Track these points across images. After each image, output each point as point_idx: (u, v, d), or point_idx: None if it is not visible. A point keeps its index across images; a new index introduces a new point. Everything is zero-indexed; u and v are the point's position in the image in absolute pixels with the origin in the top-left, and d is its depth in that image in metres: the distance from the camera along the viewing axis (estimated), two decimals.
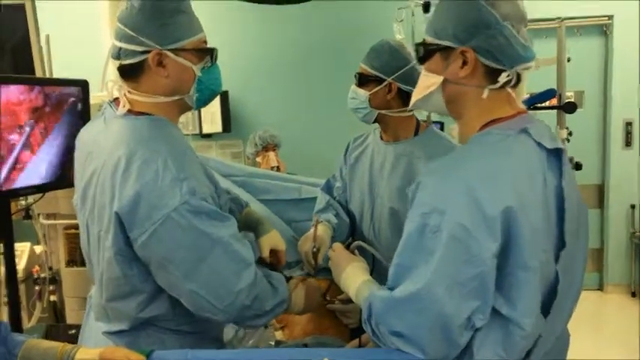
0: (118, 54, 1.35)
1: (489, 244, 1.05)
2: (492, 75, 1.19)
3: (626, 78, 4.68)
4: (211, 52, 1.41)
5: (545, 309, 1.14)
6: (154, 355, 1.14)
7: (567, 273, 1.16)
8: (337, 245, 1.53)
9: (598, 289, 4.96)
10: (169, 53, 1.33)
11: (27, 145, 1.90)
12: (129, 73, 1.37)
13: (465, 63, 1.19)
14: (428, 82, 1.26)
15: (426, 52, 1.26)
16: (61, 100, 2.05)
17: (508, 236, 1.07)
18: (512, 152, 1.13)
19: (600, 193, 4.93)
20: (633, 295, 4.77)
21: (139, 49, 1.32)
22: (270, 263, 1.69)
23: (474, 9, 1.18)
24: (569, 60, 3.29)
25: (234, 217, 1.68)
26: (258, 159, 3.79)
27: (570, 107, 3.06)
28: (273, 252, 1.71)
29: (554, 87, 3.09)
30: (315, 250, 1.77)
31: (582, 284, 1.27)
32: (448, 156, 1.24)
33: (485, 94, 1.20)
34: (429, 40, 1.25)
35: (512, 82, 1.20)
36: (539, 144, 1.15)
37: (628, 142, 4.78)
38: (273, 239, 1.71)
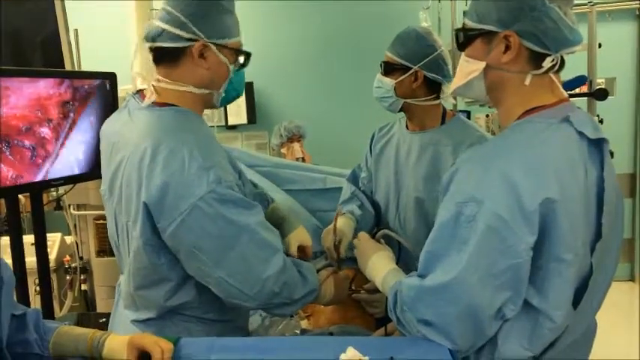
0: (156, 35, 1.35)
1: (526, 236, 1.03)
2: (536, 60, 1.15)
3: None
4: (247, 55, 1.44)
5: (576, 300, 1.12)
6: (182, 342, 1.16)
7: (601, 265, 1.14)
8: (363, 234, 1.52)
9: (629, 280, 4.86)
10: (213, 47, 1.35)
11: (57, 138, 1.94)
12: (166, 57, 1.37)
13: (507, 48, 1.15)
14: (469, 68, 1.22)
15: (466, 38, 1.23)
16: (90, 92, 2.08)
17: (545, 228, 1.05)
18: (554, 142, 1.10)
19: (632, 181, 4.82)
20: None
21: (186, 35, 1.33)
22: (298, 258, 1.68)
23: None
24: (600, 46, 3.21)
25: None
26: (283, 150, 3.79)
27: (601, 94, 2.99)
28: (301, 247, 1.71)
29: (585, 73, 3.02)
30: (336, 243, 1.76)
31: (613, 275, 1.24)
32: (487, 143, 1.21)
33: (528, 80, 1.16)
34: (470, 24, 1.21)
35: (556, 67, 1.17)
36: (580, 133, 1.11)
37: None
38: (300, 236, 1.71)
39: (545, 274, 1.07)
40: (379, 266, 1.38)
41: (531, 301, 1.09)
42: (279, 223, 1.73)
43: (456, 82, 1.28)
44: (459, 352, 1.11)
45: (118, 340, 1.09)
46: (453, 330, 1.09)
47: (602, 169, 1.13)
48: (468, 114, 3.68)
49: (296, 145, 3.74)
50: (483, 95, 1.24)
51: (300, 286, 1.40)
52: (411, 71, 1.77)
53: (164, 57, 1.37)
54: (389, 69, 1.81)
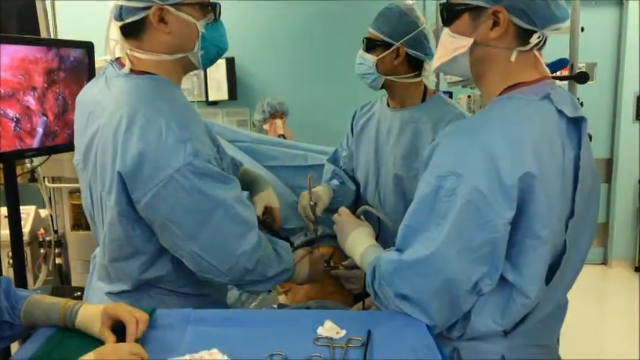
0: (119, 13, 1.32)
1: (505, 210, 1.03)
2: (523, 36, 1.14)
3: (638, 50, 4.59)
4: (214, 7, 1.38)
5: (548, 277, 1.13)
6: (157, 313, 1.15)
7: (574, 243, 1.14)
8: (343, 209, 1.52)
9: (602, 264, 4.96)
10: (170, 8, 1.30)
11: (37, 108, 1.89)
12: (131, 32, 1.34)
13: (495, 24, 1.13)
14: (455, 44, 1.19)
15: (452, 13, 1.19)
16: (75, 64, 2.04)
17: (523, 203, 1.05)
18: (534, 118, 1.10)
19: (609, 166, 4.89)
20: (637, 269, 4.77)
21: (140, 5, 1.29)
22: (265, 221, 1.68)
23: None
24: (582, 30, 3.22)
25: None
26: (265, 126, 3.77)
27: (582, 77, 2.98)
28: (268, 210, 1.69)
29: (566, 57, 3.03)
30: (312, 203, 1.76)
31: (586, 256, 1.25)
32: (468, 118, 1.21)
33: (514, 56, 1.15)
34: (457, 0, 1.18)
35: (541, 44, 1.16)
36: (560, 112, 1.11)
37: (638, 116, 4.72)
38: (268, 197, 1.69)
39: (520, 250, 1.08)
40: (358, 242, 1.38)
41: (506, 275, 1.09)
42: (248, 184, 1.71)
43: (440, 58, 1.25)
44: (434, 328, 1.12)
45: (91, 309, 1.07)
46: (430, 304, 1.10)
47: (579, 148, 1.13)
48: (450, 94, 3.68)
49: (278, 122, 3.72)
50: (467, 71, 1.22)
51: (274, 264, 1.39)
52: (392, 48, 1.77)
53: (129, 32, 1.34)
54: (371, 45, 1.80)
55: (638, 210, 4.77)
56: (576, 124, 1.13)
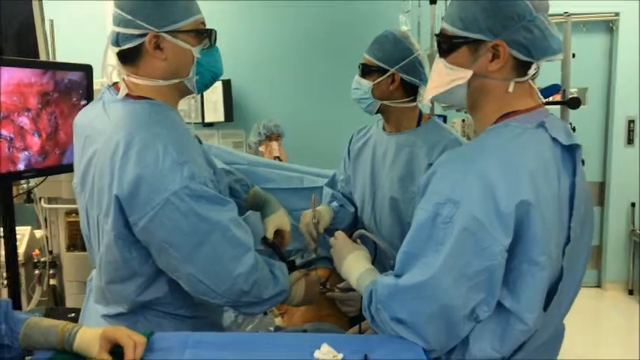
0: (116, 39, 1.35)
1: (501, 238, 1.04)
2: (520, 68, 1.16)
3: (629, 75, 4.66)
4: (210, 34, 1.40)
5: (545, 303, 1.13)
6: (155, 336, 1.15)
7: (570, 269, 1.16)
8: (340, 233, 1.53)
9: (596, 287, 4.96)
10: (166, 36, 1.32)
11: (31, 128, 1.91)
12: (127, 58, 1.36)
13: (495, 56, 1.15)
14: (452, 75, 1.20)
15: (450, 45, 1.20)
16: (69, 85, 2.06)
17: (520, 230, 1.06)
18: (529, 146, 1.11)
19: (601, 190, 4.93)
20: (630, 292, 4.77)
21: (136, 32, 1.31)
22: (274, 243, 1.70)
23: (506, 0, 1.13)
24: (573, 56, 3.27)
25: (240, 197, 1.69)
26: (261, 148, 3.79)
27: (574, 103, 3.04)
28: (278, 232, 1.71)
29: (558, 82, 3.08)
30: (315, 221, 1.78)
31: (582, 281, 1.26)
32: (465, 146, 1.22)
33: (512, 87, 1.16)
34: (454, 32, 1.19)
35: (536, 74, 1.18)
36: (554, 139, 1.13)
37: (630, 140, 4.77)
38: (279, 219, 1.72)
39: (518, 276, 1.09)
40: (355, 266, 1.39)
41: (504, 302, 1.10)
42: (260, 205, 1.74)
43: (436, 88, 1.26)
44: (431, 352, 1.12)
45: (90, 332, 1.07)
46: (426, 329, 1.10)
47: (574, 175, 1.14)
48: (445, 118, 3.72)
49: (274, 144, 3.74)
50: (463, 101, 1.24)
51: (270, 286, 1.40)
52: (388, 73, 1.80)
53: (126, 58, 1.36)
54: (367, 71, 1.83)
55: (630, 233, 4.80)
56: (570, 151, 1.15)
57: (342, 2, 4.62)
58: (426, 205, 1.11)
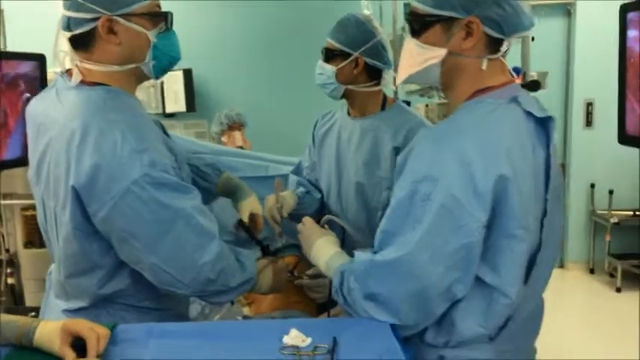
0: (67, 24, 1.29)
1: (479, 214, 1.05)
2: (493, 45, 1.16)
3: (587, 59, 4.77)
4: (165, 16, 1.36)
5: (525, 276, 1.15)
6: (119, 328, 1.12)
7: (547, 241, 1.17)
8: (307, 219, 1.52)
9: (560, 267, 5.09)
10: (120, 19, 1.27)
11: None
12: (80, 44, 1.31)
13: (468, 34, 1.14)
14: (426, 55, 1.19)
15: (422, 25, 1.19)
16: (18, 76, 1.98)
17: (497, 205, 1.06)
18: (504, 121, 1.12)
19: (562, 171, 5.03)
20: (592, 272, 4.91)
21: (88, 16, 1.26)
22: (249, 227, 1.70)
23: None
24: (533, 39, 3.32)
25: (212, 182, 1.69)
26: (224, 138, 3.73)
27: (534, 85, 3.10)
28: (252, 216, 1.71)
29: (518, 65, 3.12)
30: (278, 206, 1.78)
31: (558, 252, 1.29)
32: (440, 123, 1.22)
33: (485, 64, 1.16)
34: (426, 10, 1.17)
35: (507, 51, 1.18)
36: (528, 113, 1.14)
37: (589, 122, 4.89)
38: (253, 203, 1.72)
39: (497, 251, 1.09)
40: (324, 250, 1.38)
41: (484, 278, 1.11)
42: (232, 191, 1.74)
43: (409, 67, 1.25)
44: (404, 329, 1.13)
45: (50, 325, 1.03)
46: (400, 305, 1.10)
47: (548, 148, 1.16)
48: (408, 103, 3.73)
49: (237, 134, 3.69)
50: (437, 80, 1.23)
51: (237, 274, 1.37)
52: (351, 57, 1.78)
53: (78, 43, 1.31)
54: (330, 55, 1.82)
55: (590, 213, 4.92)
56: (543, 124, 1.16)
57: None
58: (404, 183, 1.11)
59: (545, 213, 1.15)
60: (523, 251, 1.10)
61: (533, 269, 1.15)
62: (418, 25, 1.20)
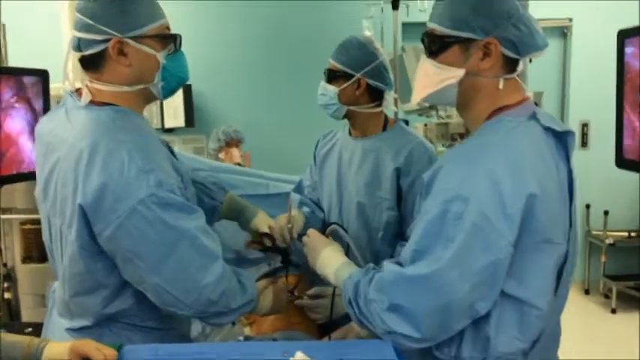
0: (78, 45, 1.31)
1: (508, 233, 1.07)
2: (509, 64, 1.18)
3: (583, 80, 4.83)
4: (175, 39, 1.38)
5: (555, 288, 1.17)
6: (125, 349, 1.12)
7: (571, 252, 1.20)
8: (312, 231, 1.52)
9: None
10: (130, 41, 1.29)
11: None
12: (90, 64, 1.32)
13: (486, 55, 1.16)
14: (443, 75, 1.21)
15: (440, 45, 1.21)
16: (21, 90, 1.99)
17: (525, 222, 1.08)
18: (526, 138, 1.14)
19: None
20: (587, 292, 4.92)
21: (99, 38, 1.28)
22: (273, 237, 1.75)
23: None
24: (530, 60, 3.35)
25: (219, 200, 1.72)
26: (221, 155, 3.74)
27: None
28: (264, 234, 1.75)
29: None
30: (289, 226, 1.77)
31: (576, 263, 1.30)
32: (468, 143, 1.22)
33: (502, 84, 1.18)
34: (444, 31, 1.19)
35: (523, 70, 1.20)
36: (547, 129, 1.16)
37: (584, 143, 4.93)
38: (267, 218, 1.77)
39: (524, 264, 1.11)
40: (331, 259, 1.38)
41: (514, 293, 1.12)
42: (238, 212, 1.76)
43: (425, 88, 1.26)
44: (420, 342, 1.12)
45: (58, 347, 1.04)
46: (423, 320, 1.11)
47: (568, 162, 1.19)
48: (407, 123, 3.75)
49: (234, 150, 3.70)
50: (453, 100, 1.24)
51: (238, 296, 1.37)
52: (353, 79, 1.80)
53: (88, 64, 1.33)
54: (332, 76, 1.83)
55: (586, 234, 4.94)
56: (562, 139, 1.19)
57: (305, 6, 4.63)
58: (434, 202, 1.12)
59: (570, 225, 1.18)
60: (550, 264, 1.13)
61: (561, 280, 1.18)
62: (436, 45, 1.22)
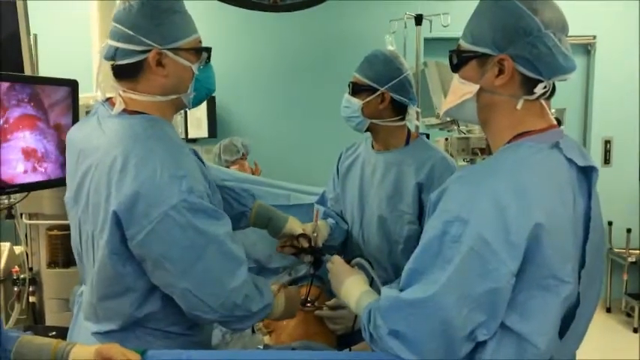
0: (113, 54, 1.35)
1: (509, 261, 1.02)
2: (529, 85, 1.14)
3: (606, 96, 4.79)
4: (208, 52, 1.43)
5: (562, 330, 1.11)
6: (149, 354, 1.14)
7: (585, 294, 1.13)
8: (337, 258, 1.53)
9: None
10: (169, 53, 1.34)
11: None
12: (126, 74, 1.36)
13: (500, 71, 1.15)
14: (462, 90, 1.21)
15: (460, 59, 1.21)
16: (50, 100, 2.04)
17: (529, 253, 1.03)
18: (543, 167, 1.10)
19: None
20: (608, 310, 4.84)
21: (138, 48, 1.32)
22: (310, 238, 1.79)
23: (514, 15, 1.13)
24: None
25: (248, 206, 1.76)
26: (235, 167, 3.74)
27: (556, 122, 3.12)
28: (301, 235, 1.78)
29: None
30: (315, 235, 1.81)
31: (596, 307, 1.24)
32: (478, 164, 1.21)
33: (520, 104, 1.15)
34: (465, 46, 1.20)
35: (547, 94, 1.16)
36: (570, 160, 1.11)
37: (607, 160, 4.88)
38: (297, 223, 1.82)
39: (527, 299, 1.06)
40: (354, 288, 1.38)
41: (514, 326, 1.07)
42: (268, 216, 1.79)
43: (449, 103, 1.26)
44: None
45: (84, 350, 1.06)
46: (424, 345, 1.08)
47: (589, 198, 1.13)
48: (427, 136, 3.76)
49: (246, 163, 3.74)
50: (474, 116, 1.23)
51: (257, 299, 1.40)
52: (378, 92, 1.82)
53: (123, 74, 1.37)
54: (357, 90, 1.85)
55: (608, 252, 4.87)
56: (585, 173, 1.14)
57: (329, 21, 4.67)
58: (435, 222, 1.10)
59: (582, 265, 1.11)
60: (556, 302, 1.06)
61: (572, 324, 1.11)
62: (457, 59, 1.22)
